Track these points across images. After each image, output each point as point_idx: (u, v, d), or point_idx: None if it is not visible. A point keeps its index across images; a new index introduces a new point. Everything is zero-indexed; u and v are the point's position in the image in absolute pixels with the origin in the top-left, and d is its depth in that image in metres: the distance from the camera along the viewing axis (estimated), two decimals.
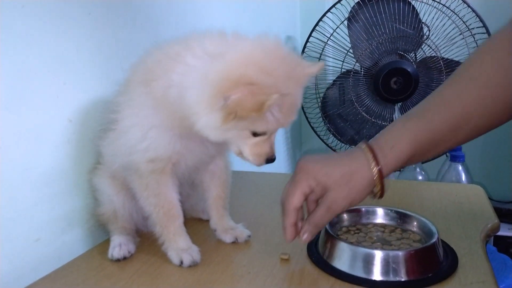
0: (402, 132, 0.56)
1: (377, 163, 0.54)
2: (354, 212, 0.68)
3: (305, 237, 0.57)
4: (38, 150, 0.62)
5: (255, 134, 0.55)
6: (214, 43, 0.54)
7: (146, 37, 0.82)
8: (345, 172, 0.55)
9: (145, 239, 0.68)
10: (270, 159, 0.57)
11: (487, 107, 0.55)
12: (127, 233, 0.66)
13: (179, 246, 0.61)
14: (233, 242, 0.67)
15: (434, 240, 0.57)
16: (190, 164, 0.62)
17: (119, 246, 0.63)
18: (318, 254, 0.61)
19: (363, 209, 0.68)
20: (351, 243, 0.59)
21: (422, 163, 1.46)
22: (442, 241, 0.62)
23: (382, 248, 0.58)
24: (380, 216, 0.68)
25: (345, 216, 0.67)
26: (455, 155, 1.36)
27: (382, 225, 0.66)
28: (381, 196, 0.57)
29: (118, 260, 0.62)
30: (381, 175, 0.55)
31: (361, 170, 0.55)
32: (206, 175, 0.68)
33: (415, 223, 0.64)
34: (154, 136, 0.57)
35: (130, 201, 0.66)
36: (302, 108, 1.69)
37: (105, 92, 0.71)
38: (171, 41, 0.58)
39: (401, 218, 0.66)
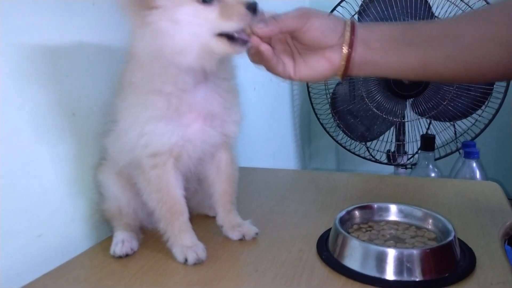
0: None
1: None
2: (366, 209, 0.65)
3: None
4: (40, 144, 0.60)
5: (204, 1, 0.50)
6: None
7: None
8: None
9: (150, 236, 0.66)
10: (252, 5, 0.50)
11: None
12: (130, 230, 0.65)
13: (184, 243, 0.59)
14: (240, 240, 0.64)
15: (450, 238, 0.54)
16: (194, 156, 0.60)
17: (121, 242, 0.62)
18: (328, 252, 0.58)
19: (375, 206, 0.66)
20: (363, 240, 0.56)
21: (435, 159, 1.43)
22: (459, 240, 0.59)
23: (395, 246, 0.56)
24: (393, 213, 0.65)
25: (356, 213, 0.65)
26: (469, 151, 1.32)
27: (395, 223, 0.64)
28: (346, 70, 0.56)
29: (120, 257, 0.60)
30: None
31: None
32: (211, 170, 0.65)
33: (430, 220, 0.62)
34: (151, 129, 0.56)
35: (136, 199, 0.64)
36: (312, 104, 1.66)
37: (110, 86, 0.69)
38: None
39: (415, 215, 0.63)
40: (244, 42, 0.52)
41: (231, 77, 0.62)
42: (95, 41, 0.69)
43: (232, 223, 0.65)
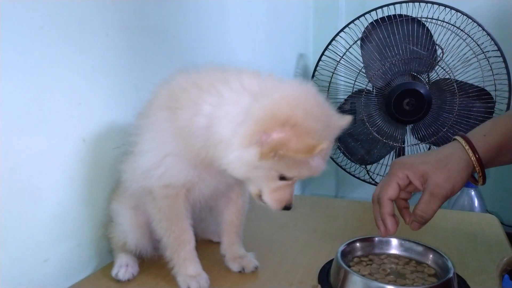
0: (494, 125, 0.64)
1: (471, 145, 0.60)
2: (367, 241, 0.66)
3: (413, 225, 0.62)
4: (50, 169, 0.62)
5: (281, 178, 0.54)
6: (252, 81, 0.54)
7: (162, 59, 0.83)
8: (441, 156, 0.61)
9: (153, 262, 0.67)
10: (288, 207, 0.57)
11: None
12: (132, 254, 0.66)
13: (188, 272, 0.60)
14: (240, 271, 0.65)
15: (450, 275, 0.55)
16: (205, 193, 0.62)
17: (125, 266, 0.64)
18: (330, 285, 0.59)
19: (376, 239, 0.67)
20: (363, 276, 0.57)
21: None
22: (457, 276, 0.60)
23: (395, 283, 0.57)
24: (393, 246, 0.66)
25: (357, 245, 0.66)
26: None
27: (396, 256, 0.65)
28: (484, 180, 0.62)
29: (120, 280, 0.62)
30: (477, 156, 0.60)
31: (456, 153, 0.60)
32: (221, 200, 0.67)
33: (431, 256, 0.63)
34: (169, 163, 0.57)
35: (147, 238, 0.66)
36: None
37: (120, 113, 0.71)
38: (200, 69, 0.58)
39: (416, 249, 0.64)
40: None
41: None
42: (107, 69, 0.70)
43: (234, 255, 0.66)
